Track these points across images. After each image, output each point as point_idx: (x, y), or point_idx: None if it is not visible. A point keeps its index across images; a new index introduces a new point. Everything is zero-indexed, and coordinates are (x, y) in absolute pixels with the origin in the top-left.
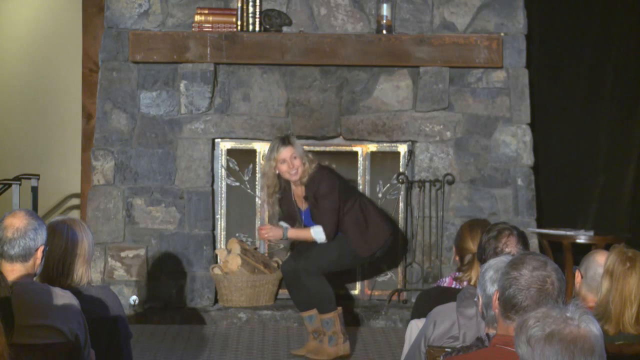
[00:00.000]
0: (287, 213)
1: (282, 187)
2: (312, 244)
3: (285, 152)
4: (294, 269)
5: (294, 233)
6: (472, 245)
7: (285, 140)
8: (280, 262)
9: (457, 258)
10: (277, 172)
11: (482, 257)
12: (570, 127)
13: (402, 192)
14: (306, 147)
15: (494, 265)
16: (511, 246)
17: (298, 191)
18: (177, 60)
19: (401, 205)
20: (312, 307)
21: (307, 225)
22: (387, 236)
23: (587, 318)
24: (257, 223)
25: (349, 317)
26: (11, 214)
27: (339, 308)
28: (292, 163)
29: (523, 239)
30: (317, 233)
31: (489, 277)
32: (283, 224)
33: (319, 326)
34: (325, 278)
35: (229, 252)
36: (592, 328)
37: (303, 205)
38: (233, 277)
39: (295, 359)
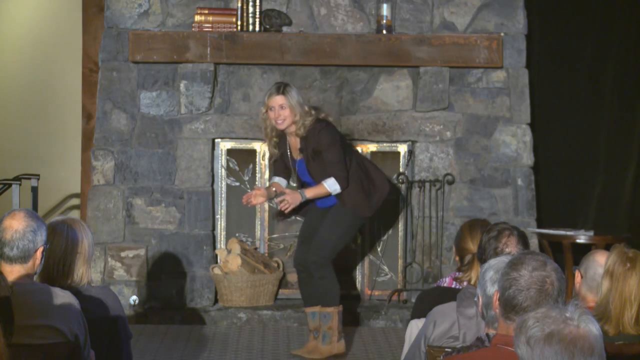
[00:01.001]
0: (281, 163)
1: (278, 132)
2: (311, 228)
3: (275, 100)
4: (304, 262)
5: (311, 192)
6: (472, 246)
7: (279, 88)
8: (280, 262)
9: (457, 258)
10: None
11: (482, 257)
12: (570, 127)
13: (402, 192)
14: None
15: (494, 265)
16: (511, 246)
17: (292, 141)
18: (177, 60)
19: (401, 205)
20: (317, 303)
21: (299, 175)
22: (387, 192)
23: (586, 318)
24: (257, 223)
25: (349, 317)
26: (10, 214)
27: (340, 306)
28: (278, 112)
29: (523, 239)
30: (332, 185)
31: (489, 278)
32: (278, 179)
33: (320, 324)
34: (334, 273)
35: (229, 252)
36: (592, 328)
37: (297, 155)
38: (233, 277)
39: (294, 358)
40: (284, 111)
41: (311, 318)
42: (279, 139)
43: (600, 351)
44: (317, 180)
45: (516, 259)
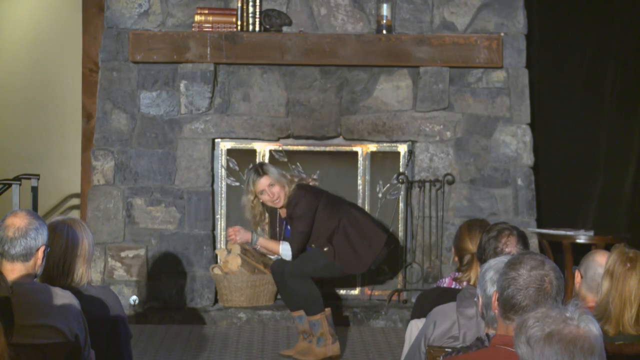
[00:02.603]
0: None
1: (267, 211)
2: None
3: (262, 183)
4: (281, 270)
5: (263, 242)
6: (471, 246)
7: (259, 171)
8: None
9: (456, 259)
10: (260, 201)
11: (482, 257)
12: (570, 127)
13: (402, 192)
14: (306, 147)
15: (494, 265)
16: (511, 246)
17: (281, 212)
18: (177, 60)
19: (401, 205)
20: (300, 308)
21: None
22: (381, 247)
23: (586, 318)
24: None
25: (348, 317)
26: (12, 213)
27: (327, 309)
28: (270, 192)
29: (523, 239)
30: (285, 250)
31: (489, 278)
32: (261, 233)
33: (308, 327)
34: (311, 280)
35: (229, 252)
36: (592, 328)
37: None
38: (233, 277)
39: (284, 359)
40: (274, 188)
41: (299, 321)
42: (267, 217)
43: (600, 351)
44: None
45: (514, 258)
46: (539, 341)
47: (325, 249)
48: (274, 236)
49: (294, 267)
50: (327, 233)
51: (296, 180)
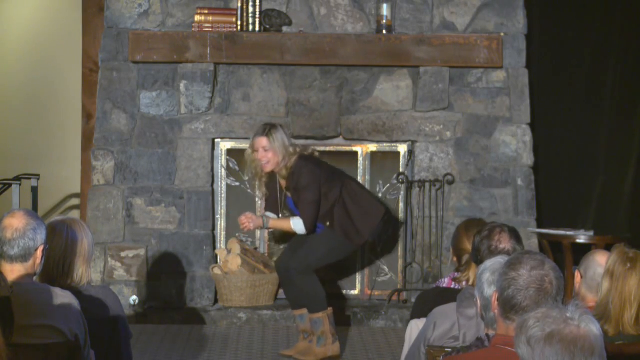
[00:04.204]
0: (272, 199)
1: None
2: (303, 239)
3: (259, 142)
4: (286, 267)
5: (274, 223)
6: (469, 245)
7: (265, 129)
8: None
9: (455, 259)
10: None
11: (477, 258)
12: (570, 127)
13: (402, 192)
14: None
15: (490, 267)
16: (504, 242)
17: (281, 180)
18: (177, 60)
19: (401, 205)
20: (303, 306)
21: (292, 211)
22: (378, 221)
23: (587, 318)
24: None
25: (348, 317)
26: (10, 214)
27: (329, 309)
28: (263, 154)
29: (515, 235)
30: (297, 225)
31: (485, 280)
32: (269, 214)
33: (309, 326)
34: (317, 278)
35: (229, 252)
36: (592, 328)
37: (288, 192)
38: (233, 277)
39: (283, 359)
40: (267, 153)
41: (300, 320)
42: (268, 178)
43: (600, 351)
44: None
45: (514, 259)
46: (540, 341)
47: (327, 224)
48: (275, 205)
49: (299, 263)
50: (327, 205)
51: (298, 151)
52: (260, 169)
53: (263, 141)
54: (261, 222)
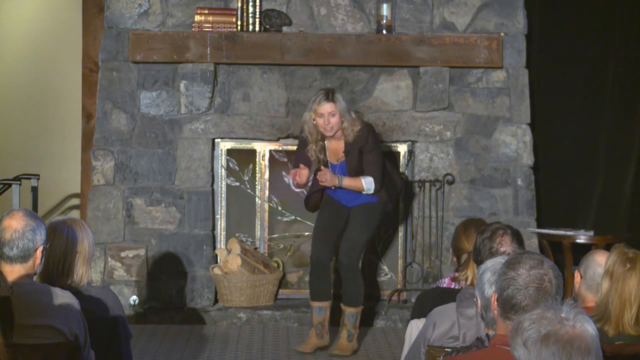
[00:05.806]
0: (309, 161)
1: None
2: (336, 225)
3: (325, 107)
4: (349, 265)
5: (348, 182)
6: (468, 245)
7: (328, 95)
8: (280, 262)
9: (454, 258)
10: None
11: (478, 258)
12: (570, 127)
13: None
14: None
15: (491, 267)
16: (506, 245)
17: (333, 145)
18: (177, 60)
19: (401, 205)
20: (327, 299)
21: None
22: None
23: (582, 318)
24: (257, 223)
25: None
26: (9, 214)
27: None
28: (328, 119)
29: (518, 237)
30: (368, 183)
31: (486, 280)
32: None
33: (325, 319)
34: (361, 273)
35: (229, 252)
36: (588, 327)
37: (336, 160)
38: (233, 277)
39: (295, 358)
40: (333, 118)
41: (317, 312)
42: (323, 143)
43: (596, 350)
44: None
45: (513, 258)
46: (536, 343)
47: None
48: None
49: (348, 258)
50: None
51: (360, 118)
52: (320, 135)
53: (328, 107)
54: (336, 180)
